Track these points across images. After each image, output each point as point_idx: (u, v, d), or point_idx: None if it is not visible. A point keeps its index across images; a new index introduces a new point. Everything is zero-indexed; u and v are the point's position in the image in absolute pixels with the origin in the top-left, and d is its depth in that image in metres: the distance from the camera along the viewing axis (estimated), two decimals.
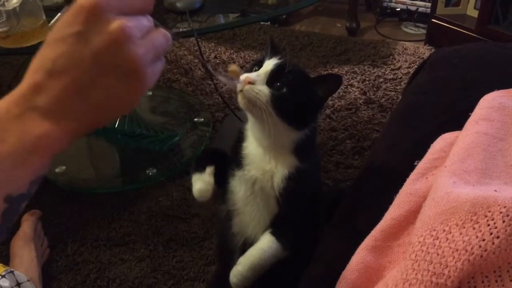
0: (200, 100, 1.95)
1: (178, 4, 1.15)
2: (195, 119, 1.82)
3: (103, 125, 0.44)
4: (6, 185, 0.40)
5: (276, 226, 0.82)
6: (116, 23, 0.40)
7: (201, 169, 0.81)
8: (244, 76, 0.75)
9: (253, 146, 0.82)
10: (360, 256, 0.63)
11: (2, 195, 0.40)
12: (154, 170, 1.58)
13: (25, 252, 1.18)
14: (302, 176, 0.80)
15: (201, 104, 1.92)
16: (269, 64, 0.77)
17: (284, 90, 0.75)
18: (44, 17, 1.06)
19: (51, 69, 0.41)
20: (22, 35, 1.03)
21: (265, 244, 0.80)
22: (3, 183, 0.40)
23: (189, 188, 1.48)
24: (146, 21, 0.44)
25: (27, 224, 1.25)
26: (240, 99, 0.77)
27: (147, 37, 0.43)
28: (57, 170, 1.58)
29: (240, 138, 0.84)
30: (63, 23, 0.41)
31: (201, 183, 0.80)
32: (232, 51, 2.30)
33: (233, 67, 0.76)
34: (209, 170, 0.81)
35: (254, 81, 0.75)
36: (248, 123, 0.84)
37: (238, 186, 0.83)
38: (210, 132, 1.75)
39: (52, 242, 1.34)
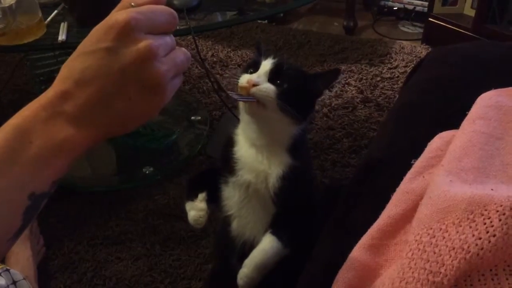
0: (198, 98, 1.94)
1: (176, 2, 1.15)
2: (192, 118, 1.82)
3: (120, 134, 0.48)
4: (31, 183, 0.43)
5: (275, 226, 0.83)
6: (145, 42, 0.44)
7: (192, 196, 0.83)
8: (245, 79, 0.77)
9: (244, 148, 0.83)
10: (357, 254, 0.63)
11: (27, 193, 0.43)
12: (151, 169, 1.57)
13: (21, 251, 1.18)
14: (296, 173, 0.81)
15: (198, 103, 1.91)
16: (267, 64, 0.80)
17: (286, 85, 0.78)
18: (40, 15, 1.06)
19: (79, 79, 0.44)
20: (18, 32, 1.02)
21: (266, 245, 0.81)
22: (29, 181, 0.43)
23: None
24: (170, 40, 0.47)
25: None
26: (246, 104, 0.78)
27: (170, 55, 0.47)
28: None
29: (229, 144, 0.85)
30: (94, 38, 0.45)
31: (195, 211, 0.82)
32: (229, 49, 2.30)
33: (243, 85, 0.77)
34: (201, 196, 0.83)
35: (257, 82, 0.77)
36: (241, 126, 0.85)
37: (232, 192, 0.84)
38: (207, 130, 1.74)
39: (48, 240, 1.33)
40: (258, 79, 0.77)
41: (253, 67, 0.81)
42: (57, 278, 1.25)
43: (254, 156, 0.82)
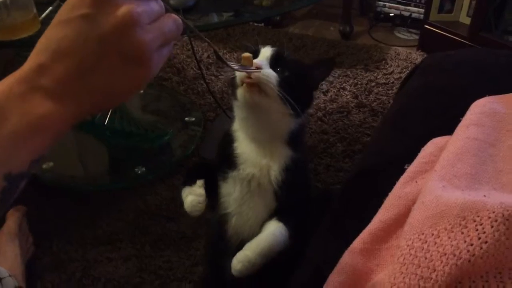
0: (192, 99, 1.94)
1: (172, 2, 1.14)
2: (186, 119, 1.82)
3: (104, 109, 0.44)
4: (7, 163, 0.39)
5: (280, 214, 0.80)
6: (125, 8, 0.40)
7: (191, 182, 0.79)
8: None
9: (245, 144, 0.82)
10: (348, 258, 0.62)
11: (3, 173, 0.39)
12: (143, 169, 1.56)
13: (9, 248, 1.16)
14: (297, 165, 0.81)
15: (193, 104, 1.91)
16: (267, 51, 0.79)
17: (287, 73, 0.76)
18: (35, 10, 1.05)
19: (56, 50, 0.40)
20: (12, 28, 1.01)
21: (276, 229, 0.77)
22: (4, 161, 0.39)
23: (178, 187, 1.48)
24: (156, 6, 0.43)
25: (12, 220, 1.23)
26: (245, 89, 0.76)
27: (156, 22, 0.43)
28: (44, 166, 1.56)
29: (228, 140, 0.84)
30: (70, 5, 0.41)
31: (193, 196, 0.78)
32: (225, 51, 2.30)
33: (246, 54, 0.74)
34: (200, 182, 0.79)
35: (261, 65, 0.74)
36: (237, 123, 0.84)
37: (233, 188, 0.82)
38: (201, 132, 1.74)
39: (37, 239, 1.32)
40: (261, 62, 0.74)
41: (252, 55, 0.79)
42: (45, 277, 1.23)
43: (256, 150, 0.80)
